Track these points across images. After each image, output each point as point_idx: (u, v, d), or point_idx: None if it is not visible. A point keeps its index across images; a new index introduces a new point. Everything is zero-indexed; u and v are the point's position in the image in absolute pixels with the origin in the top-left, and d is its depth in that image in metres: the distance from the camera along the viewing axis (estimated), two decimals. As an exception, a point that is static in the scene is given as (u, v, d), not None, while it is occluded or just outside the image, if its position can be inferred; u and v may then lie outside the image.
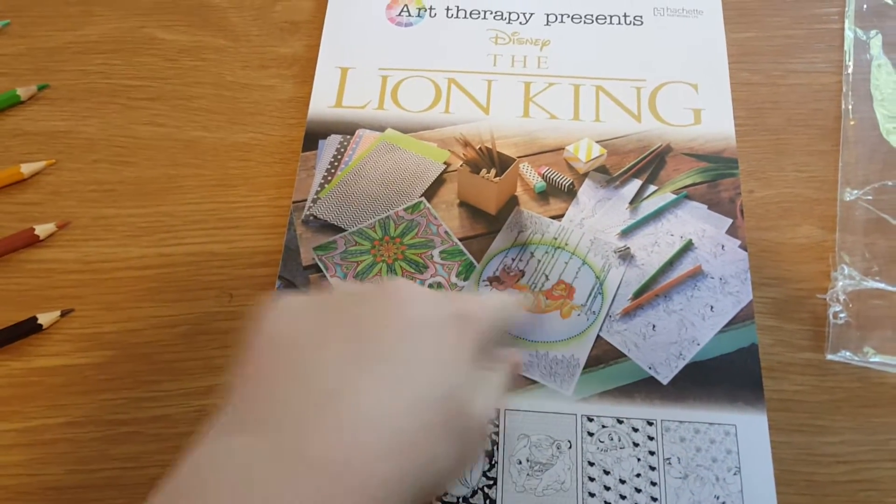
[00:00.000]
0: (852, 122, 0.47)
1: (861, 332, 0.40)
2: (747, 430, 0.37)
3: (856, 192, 0.44)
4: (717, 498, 0.36)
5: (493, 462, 0.37)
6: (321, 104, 0.48)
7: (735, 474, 0.36)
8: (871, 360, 0.40)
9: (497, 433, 0.38)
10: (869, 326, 0.41)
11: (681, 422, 0.38)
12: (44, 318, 0.42)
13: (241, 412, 0.27)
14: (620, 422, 0.38)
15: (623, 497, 0.36)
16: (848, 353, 0.40)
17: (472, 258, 0.43)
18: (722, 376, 0.39)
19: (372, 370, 0.27)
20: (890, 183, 0.44)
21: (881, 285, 0.42)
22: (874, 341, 0.40)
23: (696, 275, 0.42)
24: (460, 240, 0.43)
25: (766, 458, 0.37)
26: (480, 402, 0.29)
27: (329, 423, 0.25)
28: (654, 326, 0.40)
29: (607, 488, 0.36)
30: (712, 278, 0.42)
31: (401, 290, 0.29)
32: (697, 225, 0.43)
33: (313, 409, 0.26)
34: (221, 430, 0.27)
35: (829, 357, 0.40)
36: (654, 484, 0.36)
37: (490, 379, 0.31)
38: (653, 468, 0.37)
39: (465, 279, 0.42)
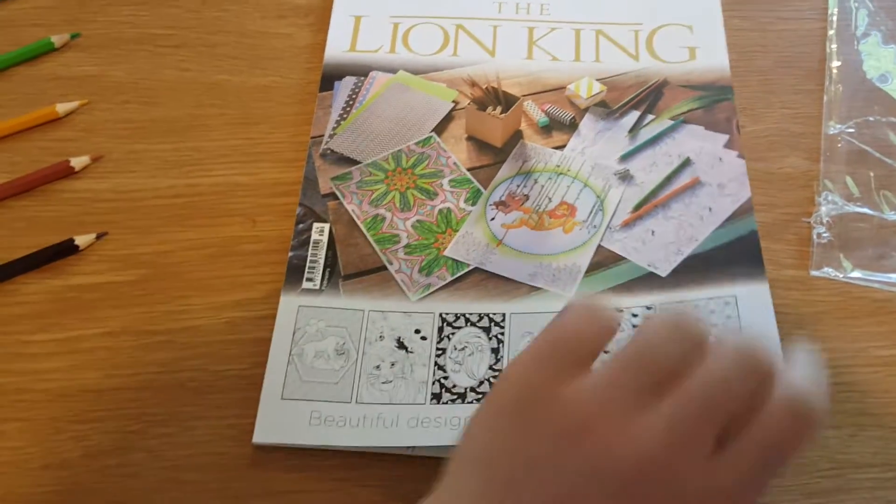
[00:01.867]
0: (837, 64, 0.50)
1: (842, 252, 0.43)
2: (747, 298, 0.40)
3: (839, 126, 0.47)
4: None
5: (500, 357, 0.40)
6: (336, 49, 0.51)
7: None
8: (850, 274, 0.43)
9: (503, 333, 0.40)
10: (850, 246, 0.43)
11: (680, 301, 0.40)
12: (80, 240, 0.45)
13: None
14: (620, 311, 0.40)
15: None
16: (830, 270, 0.43)
17: (479, 185, 0.46)
18: (720, 261, 0.41)
19: None
20: (871, 118, 0.47)
21: (862, 210, 0.45)
22: (854, 259, 0.43)
23: (695, 185, 0.44)
24: (468, 170, 0.46)
25: (770, 319, 0.39)
26: None
27: None
28: (652, 232, 0.43)
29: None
30: (710, 185, 0.44)
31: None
32: (695, 144, 0.46)
33: None
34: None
35: (813, 273, 0.43)
36: None
37: None
38: None
39: (473, 204, 0.45)
